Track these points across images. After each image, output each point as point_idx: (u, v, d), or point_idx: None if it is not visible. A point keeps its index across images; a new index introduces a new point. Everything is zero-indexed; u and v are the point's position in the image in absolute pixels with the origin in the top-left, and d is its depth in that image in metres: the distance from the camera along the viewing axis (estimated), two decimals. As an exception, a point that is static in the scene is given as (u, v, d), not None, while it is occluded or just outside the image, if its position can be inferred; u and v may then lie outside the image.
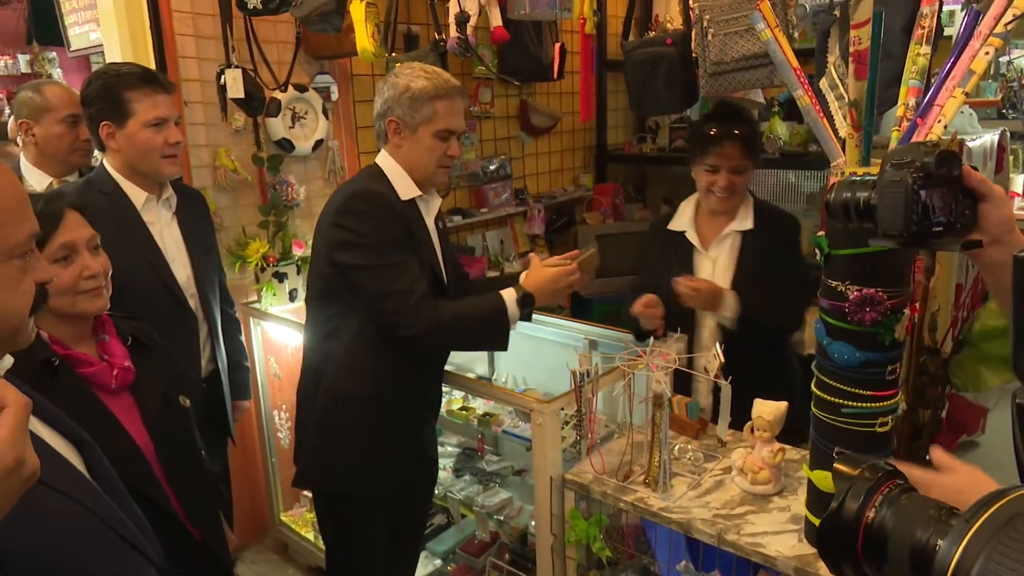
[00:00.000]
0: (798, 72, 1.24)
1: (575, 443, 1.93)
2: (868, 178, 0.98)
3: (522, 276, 1.93)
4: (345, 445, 1.89)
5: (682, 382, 2.06)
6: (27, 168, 2.35)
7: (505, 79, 3.68)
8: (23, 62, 4.89)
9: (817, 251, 1.27)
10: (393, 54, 2.75)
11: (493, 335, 1.81)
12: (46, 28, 3.97)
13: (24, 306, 0.86)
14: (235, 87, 2.61)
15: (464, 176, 3.86)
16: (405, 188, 1.85)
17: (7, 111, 4.76)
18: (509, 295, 1.81)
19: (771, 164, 4.07)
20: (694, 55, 2.49)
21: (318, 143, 3.06)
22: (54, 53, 4.83)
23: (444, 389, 2.33)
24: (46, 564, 0.80)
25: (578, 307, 4.40)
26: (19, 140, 2.38)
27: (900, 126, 1.22)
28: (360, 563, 2.01)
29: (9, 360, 0.90)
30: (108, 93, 1.92)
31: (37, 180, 2.32)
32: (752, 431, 1.66)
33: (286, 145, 2.95)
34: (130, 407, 1.31)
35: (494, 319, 1.79)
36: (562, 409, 1.88)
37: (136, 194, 2.01)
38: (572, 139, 4.57)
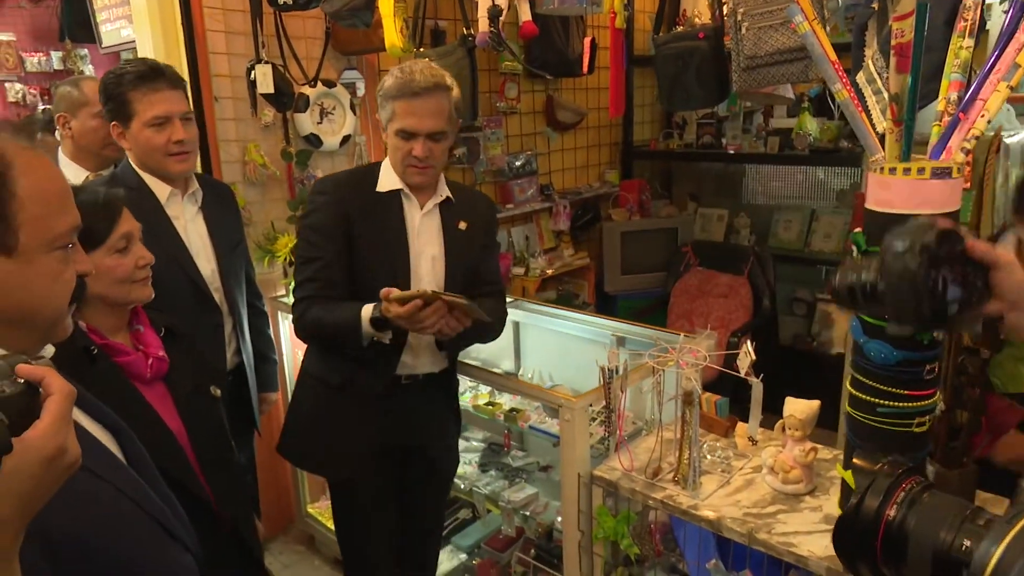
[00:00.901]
0: (836, 66, 1.22)
1: (602, 440, 1.92)
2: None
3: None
4: (300, 421, 2.07)
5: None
6: (64, 162, 2.39)
7: (537, 73, 3.66)
8: (56, 59, 4.97)
9: (854, 248, 1.25)
10: (421, 49, 2.76)
11: (349, 343, 1.85)
12: (78, 25, 4.04)
13: (64, 297, 0.87)
14: (265, 82, 2.63)
15: (490, 172, 3.86)
16: (388, 181, 1.90)
17: (40, 107, 4.85)
18: (366, 312, 1.79)
19: (800, 161, 4.02)
20: (727, 49, 2.46)
21: (345, 138, 3.08)
22: (86, 50, 4.90)
23: (470, 383, 2.34)
24: (89, 551, 0.81)
25: (603, 304, 4.40)
26: (58, 134, 2.42)
27: (941, 121, 1.20)
28: (347, 550, 2.15)
29: (50, 350, 0.91)
30: (111, 94, 1.93)
31: (73, 174, 2.36)
32: (784, 430, 1.65)
33: (314, 140, 2.97)
34: (164, 396, 1.34)
35: (348, 330, 1.82)
36: (590, 405, 1.88)
37: (160, 189, 2.01)
38: (598, 135, 4.55)
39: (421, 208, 1.92)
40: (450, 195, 1.96)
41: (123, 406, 1.05)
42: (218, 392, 1.46)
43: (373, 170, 1.94)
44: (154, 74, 1.93)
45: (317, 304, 1.86)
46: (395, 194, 1.90)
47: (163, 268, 1.96)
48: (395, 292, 1.71)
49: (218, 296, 2.10)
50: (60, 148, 2.43)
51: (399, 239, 1.89)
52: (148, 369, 1.32)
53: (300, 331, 1.94)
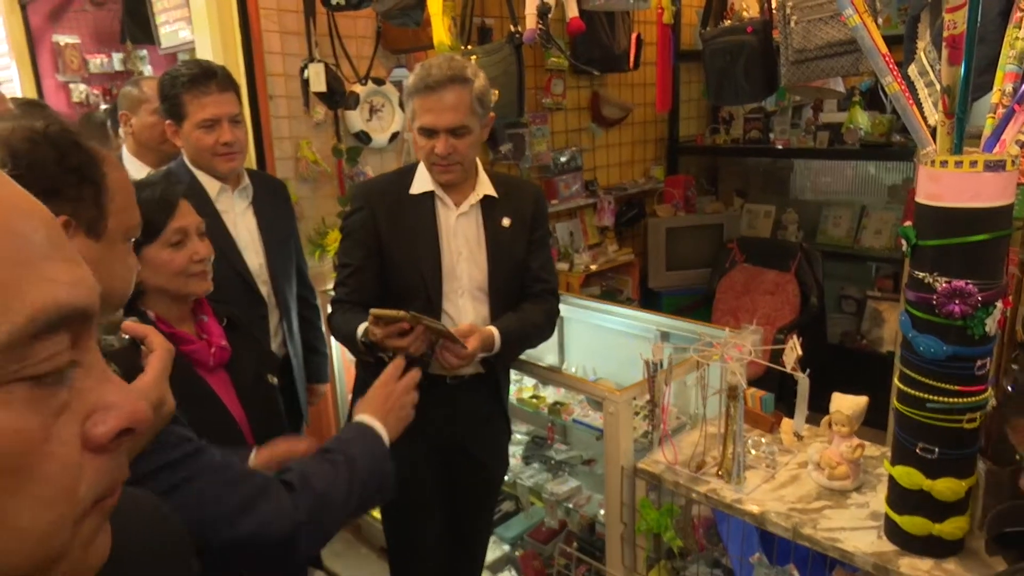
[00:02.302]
0: (887, 59, 1.21)
1: (646, 434, 1.93)
2: None
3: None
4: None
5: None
6: (127, 159, 2.49)
7: (583, 69, 3.67)
8: (117, 60, 5.14)
9: (904, 242, 1.24)
10: (468, 47, 2.79)
11: (360, 355, 1.89)
12: (139, 27, 4.18)
13: (130, 284, 0.98)
14: (317, 81, 2.69)
15: (535, 168, 3.88)
16: (421, 182, 1.89)
17: (102, 107, 5.03)
18: (359, 330, 1.79)
19: (851, 155, 3.95)
20: (775, 43, 2.44)
21: (394, 135, 3.13)
22: (145, 51, 5.06)
23: (514, 376, 2.35)
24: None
25: (647, 300, 4.38)
26: (121, 132, 2.53)
27: (995, 113, 1.18)
28: (394, 549, 2.14)
29: (119, 315, 1.00)
30: (166, 94, 2.00)
31: (136, 170, 2.45)
32: (830, 426, 1.63)
33: (364, 137, 3.04)
34: (226, 384, 1.39)
35: (352, 344, 1.84)
36: (634, 399, 1.89)
37: (210, 184, 2.08)
38: (643, 131, 4.53)
39: (456, 207, 1.89)
40: (492, 191, 1.92)
41: (189, 393, 1.11)
42: (275, 380, 1.51)
43: (411, 171, 1.94)
44: (206, 77, 1.98)
45: (343, 309, 1.89)
46: (427, 196, 1.88)
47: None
48: (378, 311, 1.68)
49: (265, 289, 2.15)
50: (124, 146, 2.53)
51: (429, 242, 1.87)
52: (211, 358, 1.38)
53: (331, 334, 1.99)
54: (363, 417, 1.30)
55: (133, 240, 0.98)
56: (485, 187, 1.92)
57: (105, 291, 0.91)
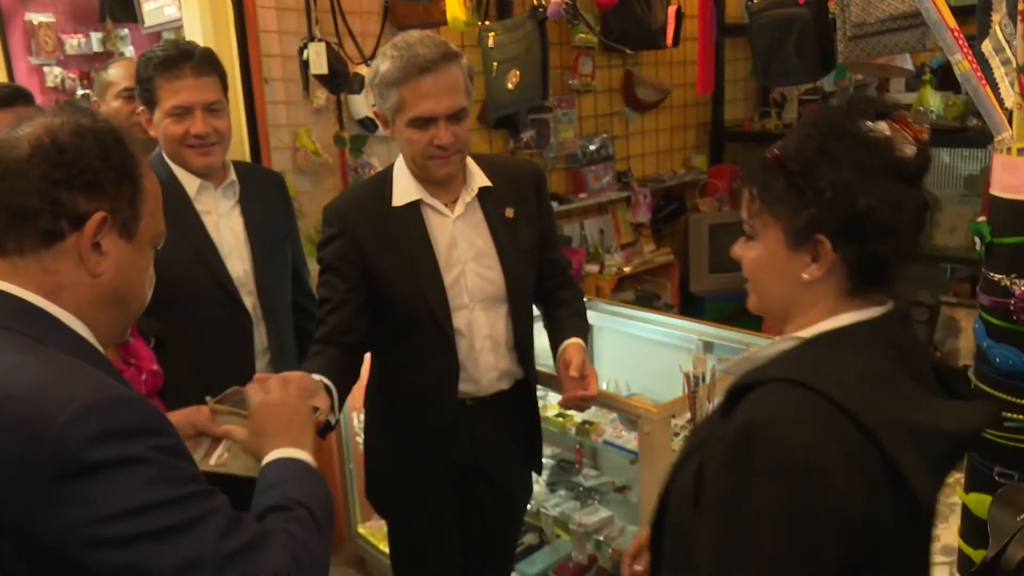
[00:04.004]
0: (956, 34, 1.22)
1: (687, 456, 1.94)
2: None
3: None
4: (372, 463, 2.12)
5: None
6: (107, 150, 2.54)
7: (615, 47, 3.67)
8: (95, 41, 5.24)
9: (977, 240, 1.25)
10: (486, 23, 2.82)
11: None
12: (119, 4, 4.27)
13: (150, 290, 1.11)
14: (318, 62, 2.73)
15: (561, 157, 3.90)
16: (403, 191, 1.85)
17: (79, 91, 5.12)
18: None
19: (921, 142, 3.93)
20: (831, 16, 2.44)
21: (402, 122, 3.17)
22: (126, 30, 5.15)
23: (540, 392, 2.36)
24: None
25: (688, 306, 4.38)
26: None
27: (1081, 94, 1.19)
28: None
29: None
30: (140, 77, 1.98)
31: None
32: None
33: (369, 124, 3.07)
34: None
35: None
36: (673, 417, 1.90)
37: (189, 181, 2.04)
38: (683, 115, 4.54)
39: (451, 213, 1.86)
40: (487, 181, 1.87)
41: None
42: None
43: (386, 180, 1.88)
44: (179, 59, 1.94)
45: (313, 353, 1.86)
46: (414, 207, 1.84)
47: (188, 268, 1.95)
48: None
49: (250, 300, 2.09)
50: None
51: (425, 260, 1.84)
52: (142, 386, 1.36)
53: None
54: (283, 452, 1.20)
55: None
56: (478, 178, 1.88)
57: (130, 294, 1.05)
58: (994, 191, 1.21)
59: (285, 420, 1.23)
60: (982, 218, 1.24)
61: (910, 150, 0.96)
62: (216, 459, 1.29)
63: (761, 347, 1.09)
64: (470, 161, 1.88)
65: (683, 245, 4.47)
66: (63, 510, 0.81)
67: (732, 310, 4.35)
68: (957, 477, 1.70)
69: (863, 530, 0.87)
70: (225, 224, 2.10)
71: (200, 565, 0.86)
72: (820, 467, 0.86)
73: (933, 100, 3.74)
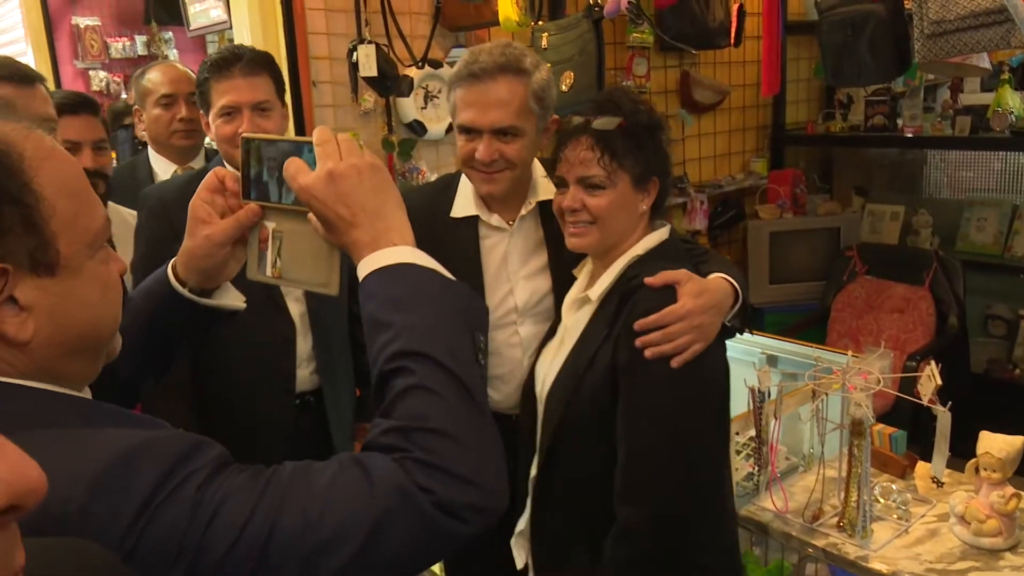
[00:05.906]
0: (1049, 31, 1.20)
1: (749, 476, 1.92)
2: None
3: None
4: None
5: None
6: (154, 158, 2.60)
7: (674, 45, 3.65)
8: (140, 44, 5.39)
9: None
10: (539, 22, 2.84)
11: None
12: (164, 7, 4.39)
13: (118, 303, 0.85)
14: (368, 65, 2.77)
15: (614, 162, 3.89)
16: (464, 202, 1.82)
17: (123, 95, 5.27)
18: None
19: (998, 145, 3.86)
20: (907, 12, 2.41)
21: (451, 126, 3.20)
22: (171, 33, 5.29)
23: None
24: None
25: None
26: (141, 132, 2.66)
27: None
28: None
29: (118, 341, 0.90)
30: (198, 81, 2.03)
31: (163, 169, 2.57)
32: (977, 471, 1.61)
33: (418, 128, 3.11)
34: None
35: None
36: (736, 434, 1.89)
37: None
38: (743, 117, 4.51)
39: (510, 227, 1.81)
40: (551, 194, 1.77)
41: None
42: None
43: (451, 187, 1.86)
44: (231, 60, 1.99)
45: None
46: (471, 222, 1.81)
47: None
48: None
49: (297, 308, 2.09)
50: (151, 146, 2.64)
51: (469, 281, 1.68)
52: None
53: None
54: (386, 254, 0.91)
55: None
56: (541, 190, 1.82)
57: (88, 334, 0.81)
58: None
59: (373, 188, 0.94)
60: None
61: None
62: (271, 267, 1.04)
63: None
64: (538, 175, 1.83)
65: (742, 254, 4.43)
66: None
67: (794, 322, 4.30)
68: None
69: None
70: None
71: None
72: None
73: (1013, 100, 3.68)
